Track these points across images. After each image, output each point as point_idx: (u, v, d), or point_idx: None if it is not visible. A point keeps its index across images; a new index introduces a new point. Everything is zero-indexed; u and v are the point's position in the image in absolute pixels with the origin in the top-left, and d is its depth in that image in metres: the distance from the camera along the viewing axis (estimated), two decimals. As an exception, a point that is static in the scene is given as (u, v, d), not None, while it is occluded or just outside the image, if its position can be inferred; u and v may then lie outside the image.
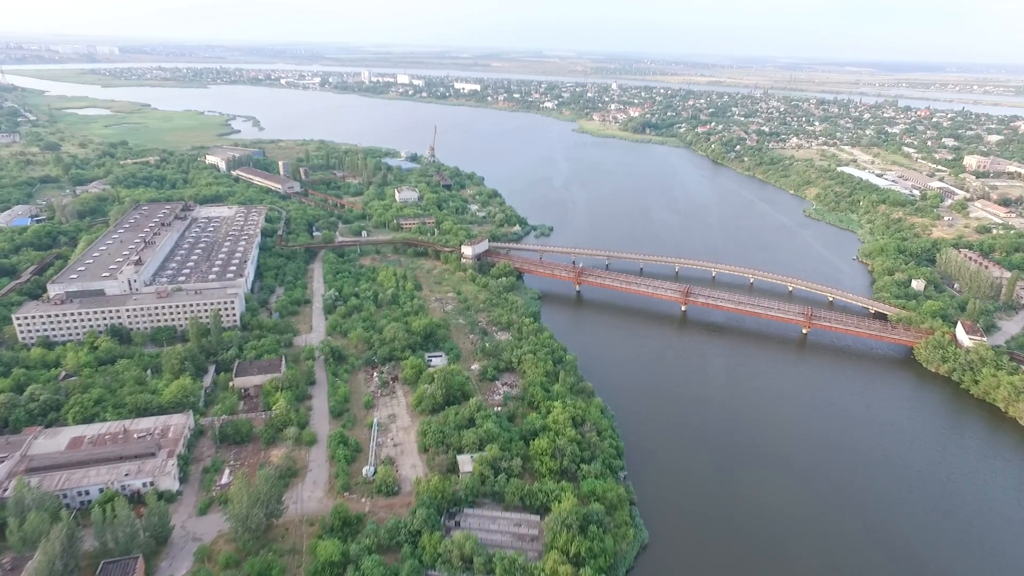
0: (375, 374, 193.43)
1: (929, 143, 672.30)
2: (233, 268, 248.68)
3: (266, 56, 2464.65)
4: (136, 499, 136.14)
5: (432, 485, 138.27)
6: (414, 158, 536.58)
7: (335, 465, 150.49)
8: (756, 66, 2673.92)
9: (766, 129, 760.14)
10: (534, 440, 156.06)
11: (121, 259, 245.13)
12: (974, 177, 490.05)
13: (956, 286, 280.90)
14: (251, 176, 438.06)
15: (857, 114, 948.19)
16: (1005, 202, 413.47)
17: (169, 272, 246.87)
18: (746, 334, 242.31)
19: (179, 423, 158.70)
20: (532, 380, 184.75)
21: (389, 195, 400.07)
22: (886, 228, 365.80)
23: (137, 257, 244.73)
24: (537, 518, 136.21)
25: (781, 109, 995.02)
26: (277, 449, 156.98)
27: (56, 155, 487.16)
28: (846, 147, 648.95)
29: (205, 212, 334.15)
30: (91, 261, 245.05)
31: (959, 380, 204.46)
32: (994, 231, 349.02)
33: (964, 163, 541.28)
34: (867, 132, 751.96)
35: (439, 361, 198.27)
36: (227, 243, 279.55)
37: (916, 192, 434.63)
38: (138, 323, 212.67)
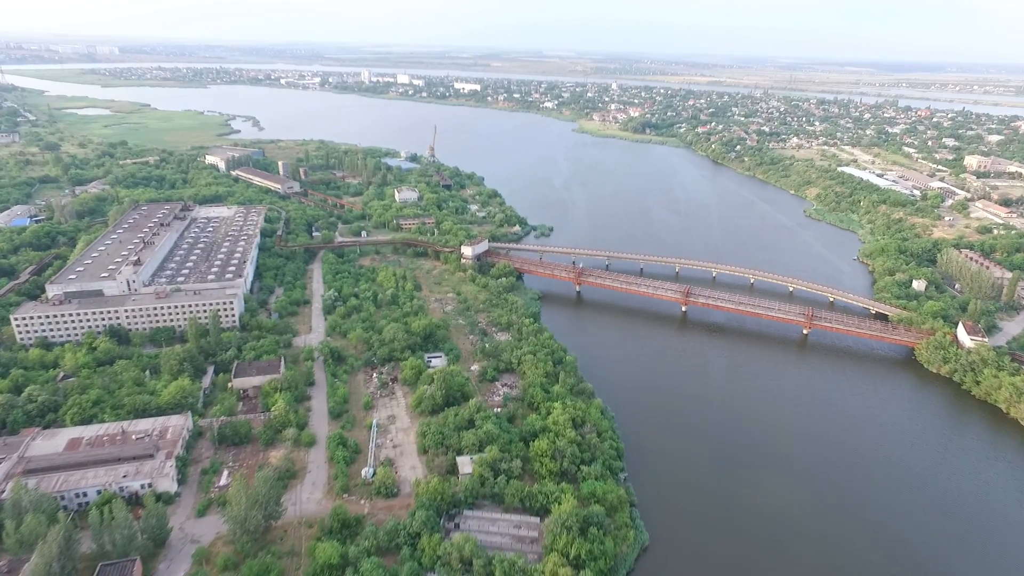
0: (374, 375, 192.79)
1: (929, 143, 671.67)
2: (232, 268, 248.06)
3: (266, 56, 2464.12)
4: (134, 501, 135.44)
5: (431, 487, 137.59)
6: (414, 158, 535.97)
7: (334, 466, 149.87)
8: (756, 66, 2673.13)
9: (766, 129, 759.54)
10: (534, 441, 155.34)
11: (120, 259, 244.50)
12: (975, 177, 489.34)
13: (957, 287, 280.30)
14: (250, 176, 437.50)
15: (857, 114, 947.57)
16: (1006, 202, 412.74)
17: (168, 272, 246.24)
18: (747, 335, 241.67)
19: (177, 424, 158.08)
20: (532, 381, 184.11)
21: (389, 195, 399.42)
22: (887, 228, 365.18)
23: (136, 257, 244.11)
24: (537, 520, 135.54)
25: (781, 109, 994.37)
26: (276, 450, 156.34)
27: (55, 155, 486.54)
28: (846, 147, 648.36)
29: (204, 212, 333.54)
30: (90, 261, 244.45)
31: (960, 381, 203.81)
32: (995, 231, 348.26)
33: (965, 163, 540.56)
34: (867, 132, 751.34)
35: (439, 362, 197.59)
36: (226, 243, 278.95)
37: (917, 192, 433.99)
38: (137, 324, 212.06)
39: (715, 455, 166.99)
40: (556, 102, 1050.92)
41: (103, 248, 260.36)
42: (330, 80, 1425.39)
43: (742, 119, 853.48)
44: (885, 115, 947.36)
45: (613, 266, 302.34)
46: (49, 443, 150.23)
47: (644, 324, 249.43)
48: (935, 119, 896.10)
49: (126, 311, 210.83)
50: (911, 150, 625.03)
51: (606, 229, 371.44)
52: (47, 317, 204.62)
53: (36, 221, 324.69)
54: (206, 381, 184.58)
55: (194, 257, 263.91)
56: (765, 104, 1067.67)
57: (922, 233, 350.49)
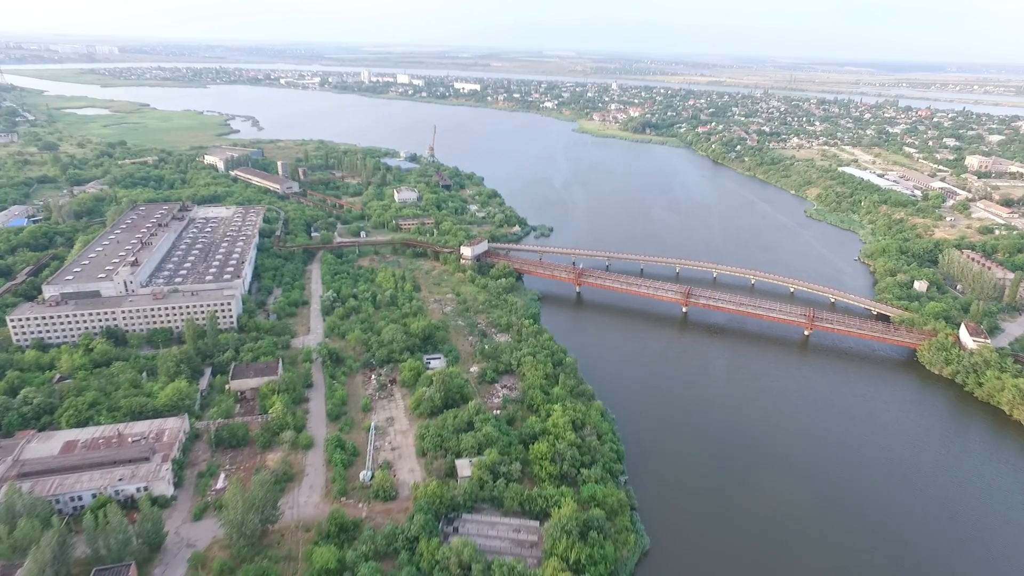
0: (373, 376, 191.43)
1: (930, 143, 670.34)
2: (230, 269, 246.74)
3: (266, 56, 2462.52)
4: (130, 504, 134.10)
5: (430, 490, 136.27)
6: (413, 158, 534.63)
7: (332, 469, 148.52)
8: (756, 66, 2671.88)
9: (767, 129, 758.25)
10: (533, 444, 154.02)
11: (117, 260, 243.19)
12: (976, 177, 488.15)
13: (959, 287, 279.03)
14: (249, 176, 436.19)
15: (858, 114, 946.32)
16: (1007, 202, 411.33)
17: (166, 273, 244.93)
18: (747, 336, 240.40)
19: (174, 427, 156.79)
20: (532, 383, 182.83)
21: (388, 195, 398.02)
22: (888, 229, 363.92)
23: (134, 258, 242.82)
24: (536, 524, 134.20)
25: (781, 109, 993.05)
26: (273, 453, 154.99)
27: (54, 155, 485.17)
28: (847, 147, 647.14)
29: (203, 212, 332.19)
30: (87, 262, 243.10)
31: (963, 383, 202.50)
32: (996, 232, 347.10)
33: (966, 163, 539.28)
34: (868, 132, 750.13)
35: (438, 363, 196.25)
36: (224, 244, 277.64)
37: (918, 192, 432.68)
38: (134, 325, 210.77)
39: (716, 457, 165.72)
40: (556, 102, 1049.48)
41: (100, 249, 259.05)
42: (330, 80, 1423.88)
43: (742, 119, 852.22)
44: (885, 115, 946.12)
45: (613, 267, 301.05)
46: (44, 446, 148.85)
47: (644, 325, 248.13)
48: (936, 119, 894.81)
49: (123, 312, 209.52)
50: (912, 150, 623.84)
51: (606, 229, 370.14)
52: (43, 318, 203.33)
53: (34, 221, 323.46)
54: (203, 383, 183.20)
55: (192, 258, 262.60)
56: (765, 104, 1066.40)
57: (923, 233, 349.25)
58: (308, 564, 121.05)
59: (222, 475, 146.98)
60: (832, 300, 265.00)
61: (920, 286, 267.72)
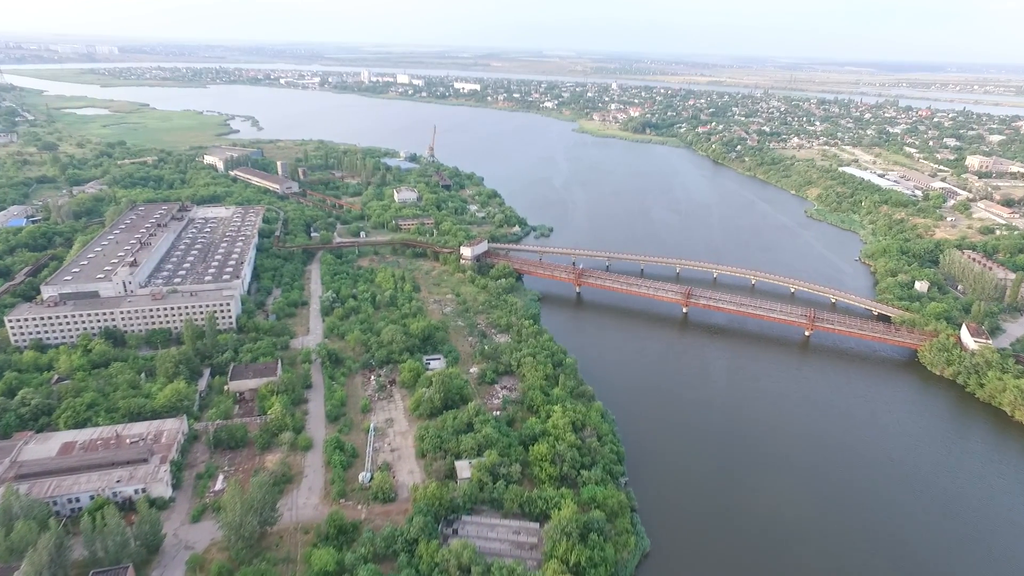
0: (372, 377, 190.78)
1: (931, 143, 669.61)
2: (229, 270, 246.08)
3: (266, 56, 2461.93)
4: (128, 506, 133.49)
5: (429, 492, 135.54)
6: (413, 158, 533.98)
7: (331, 471, 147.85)
8: (756, 66, 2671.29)
9: (767, 129, 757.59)
10: (533, 445, 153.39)
11: (116, 260, 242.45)
12: (976, 177, 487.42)
13: (960, 288, 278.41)
14: (249, 176, 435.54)
15: (858, 114, 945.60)
16: (1008, 203, 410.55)
17: (165, 274, 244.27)
18: (748, 336, 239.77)
19: (173, 428, 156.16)
20: (531, 384, 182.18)
21: (388, 195, 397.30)
22: (888, 229, 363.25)
23: (132, 258, 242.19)
24: (536, 526, 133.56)
25: (782, 109, 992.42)
26: (272, 454, 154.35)
27: (53, 155, 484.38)
28: (847, 147, 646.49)
29: (202, 212, 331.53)
30: (86, 262, 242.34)
31: (964, 383, 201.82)
32: (997, 232, 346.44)
33: (966, 163, 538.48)
34: (868, 132, 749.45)
35: (437, 364, 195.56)
36: (224, 244, 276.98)
37: (918, 192, 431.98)
38: (132, 325, 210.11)
39: (717, 458, 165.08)
40: (556, 102, 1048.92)
41: (99, 249, 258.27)
42: (329, 80, 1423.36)
43: (742, 119, 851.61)
44: (886, 115, 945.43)
45: (613, 267, 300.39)
46: (42, 447, 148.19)
47: (645, 326, 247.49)
48: (936, 119, 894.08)
49: (122, 313, 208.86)
50: (912, 150, 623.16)
51: (606, 229, 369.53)
52: (42, 319, 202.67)
53: (33, 221, 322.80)
54: (202, 384, 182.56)
55: (191, 258, 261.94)
56: (765, 104, 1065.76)
57: (924, 234, 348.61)
58: (307, 566, 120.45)
59: (221, 476, 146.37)
60: (833, 300, 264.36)
61: (921, 286, 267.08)
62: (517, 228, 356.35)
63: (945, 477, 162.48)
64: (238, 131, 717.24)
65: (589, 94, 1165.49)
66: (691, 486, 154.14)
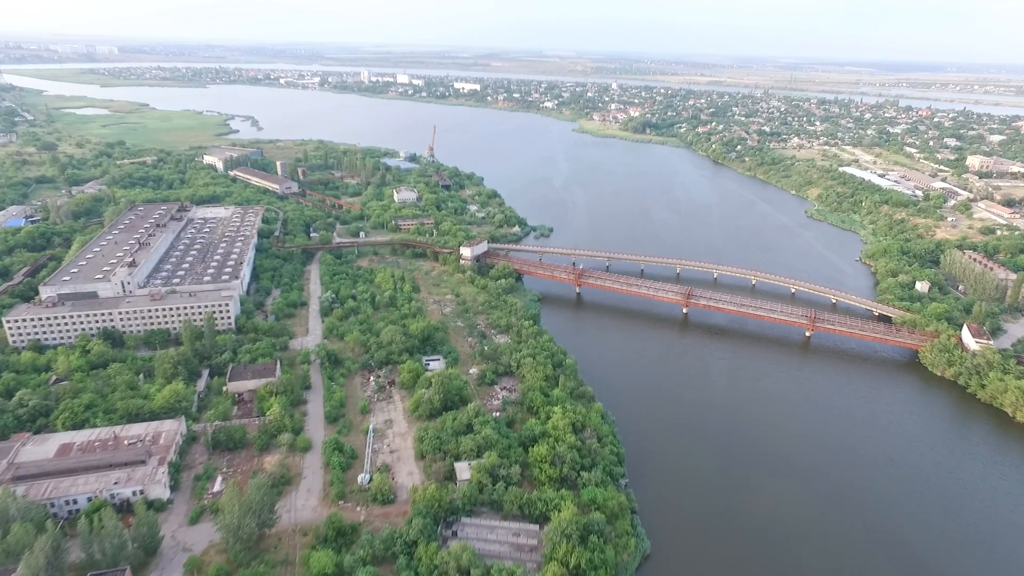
0: (372, 378, 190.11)
1: (931, 143, 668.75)
2: (228, 270, 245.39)
3: (266, 56, 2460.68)
4: (126, 508, 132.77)
5: (429, 493, 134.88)
6: (413, 158, 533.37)
7: (330, 472, 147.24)
8: (756, 66, 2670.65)
9: (767, 129, 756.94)
10: (533, 447, 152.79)
11: (115, 261, 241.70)
12: (977, 177, 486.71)
13: (961, 288, 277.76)
14: (248, 176, 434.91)
15: (858, 114, 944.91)
16: (1009, 203, 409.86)
17: (163, 274, 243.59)
18: (749, 337, 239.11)
19: (171, 429, 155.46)
20: (531, 384, 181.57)
21: (387, 195, 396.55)
22: (889, 229, 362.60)
23: (131, 259, 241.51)
24: (536, 528, 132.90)
25: (782, 109, 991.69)
26: (271, 456, 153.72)
27: (52, 155, 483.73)
28: (847, 147, 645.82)
29: (201, 213, 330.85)
30: (84, 263, 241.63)
31: (965, 384, 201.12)
32: (998, 232, 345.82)
33: (967, 163, 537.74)
34: (868, 132, 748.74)
35: (437, 365, 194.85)
36: (223, 244, 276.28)
37: (919, 192, 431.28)
38: (131, 326, 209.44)
39: (717, 460, 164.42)
40: (556, 102, 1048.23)
41: (98, 249, 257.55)
42: (329, 80, 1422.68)
43: (742, 119, 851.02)
44: (886, 115, 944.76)
45: (613, 267, 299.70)
46: (39, 449, 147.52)
47: (645, 326, 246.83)
48: (936, 119, 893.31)
49: (120, 313, 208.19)
50: (913, 150, 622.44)
51: (606, 230, 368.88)
52: (40, 319, 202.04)
53: (31, 222, 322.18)
54: (201, 385, 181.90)
55: (190, 258, 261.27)
56: (765, 104, 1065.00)
57: (925, 234, 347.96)
58: (305, 569, 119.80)
59: (219, 478, 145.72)
60: (833, 301, 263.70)
61: (922, 287, 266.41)
62: (517, 228, 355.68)
63: (946, 478, 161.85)
64: (238, 131, 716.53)
65: (589, 94, 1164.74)
66: (692, 487, 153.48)
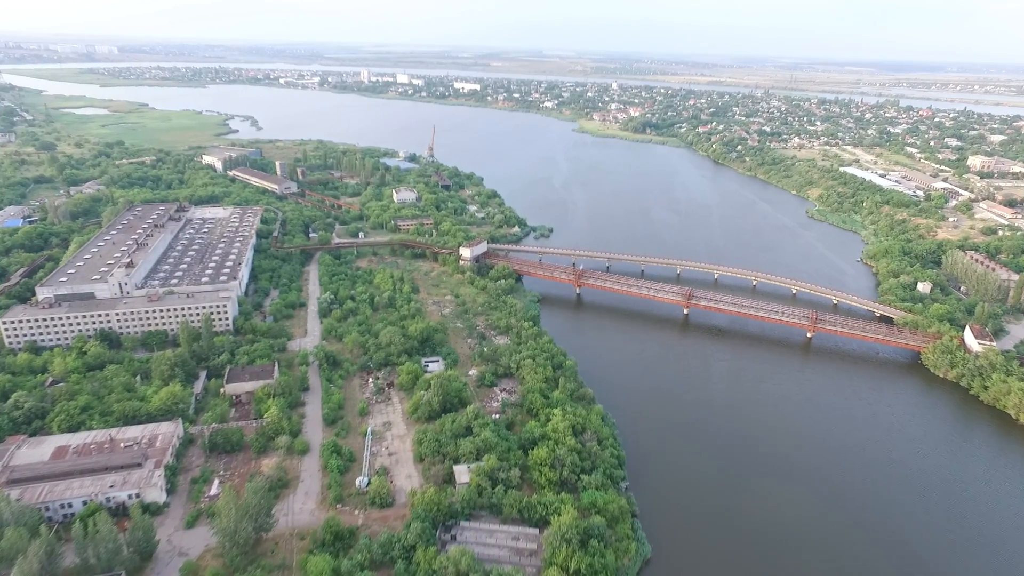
0: (370, 380, 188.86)
1: (932, 143, 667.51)
2: (227, 271, 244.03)
3: (266, 56, 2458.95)
4: (121, 512, 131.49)
5: (427, 497, 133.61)
6: (413, 158, 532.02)
7: (328, 475, 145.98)
8: (756, 66, 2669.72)
9: (767, 129, 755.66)
10: (533, 449, 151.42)
11: (112, 261, 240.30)
12: (978, 177, 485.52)
13: (963, 289, 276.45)
14: (247, 176, 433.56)
15: (859, 114, 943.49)
16: (1011, 203, 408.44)
17: (161, 275, 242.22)
18: (750, 338, 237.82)
19: (168, 431, 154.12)
20: (531, 386, 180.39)
21: (387, 196, 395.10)
22: (890, 229, 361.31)
23: (129, 259, 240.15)
24: (536, 532, 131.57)
25: (782, 109, 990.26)
26: (268, 458, 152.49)
27: (51, 155, 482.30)
28: (848, 147, 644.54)
29: (200, 213, 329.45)
30: (82, 263, 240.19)
31: (968, 386, 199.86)
32: (1000, 232, 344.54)
33: (968, 163, 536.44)
34: (869, 132, 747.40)
35: (436, 366, 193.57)
36: (221, 245, 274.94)
37: (920, 193, 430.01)
38: (128, 327, 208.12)
39: (719, 462, 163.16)
40: (556, 102, 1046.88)
41: (96, 250, 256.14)
42: (329, 80, 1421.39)
43: (743, 119, 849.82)
44: (887, 115, 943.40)
45: (614, 268, 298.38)
46: (35, 451, 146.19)
47: (645, 327, 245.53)
48: (937, 119, 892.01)
49: (117, 314, 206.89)
50: (913, 150, 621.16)
51: (606, 230, 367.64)
52: (36, 320, 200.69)
53: (29, 222, 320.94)
54: (198, 387, 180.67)
55: (188, 259, 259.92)
56: (766, 104, 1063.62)
57: (926, 234, 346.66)
58: (302, 573, 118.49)
59: (216, 481, 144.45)
60: (835, 302, 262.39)
61: (924, 288, 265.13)
62: (517, 228, 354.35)
63: (949, 480, 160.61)
64: (237, 131, 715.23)
65: (589, 94, 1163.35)
66: (693, 490, 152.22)
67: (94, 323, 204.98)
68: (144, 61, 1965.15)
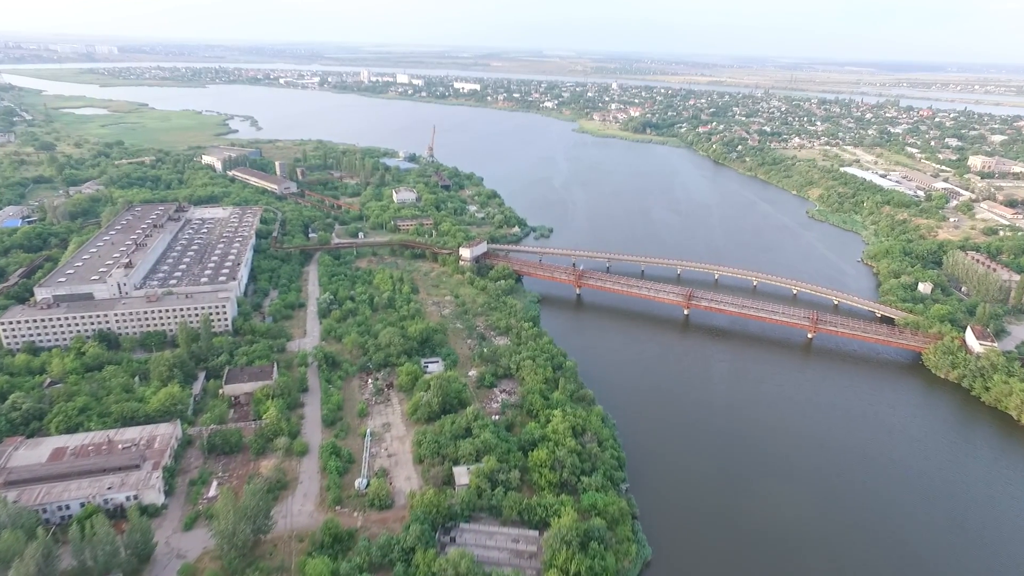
0: (370, 381, 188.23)
1: (932, 143, 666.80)
2: (226, 271, 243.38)
3: (266, 56, 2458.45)
4: (119, 514, 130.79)
5: (427, 499, 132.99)
6: (412, 158, 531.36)
7: (327, 477, 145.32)
8: (756, 66, 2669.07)
9: (768, 129, 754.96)
10: (533, 451, 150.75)
11: (111, 262, 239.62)
12: (979, 178, 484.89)
13: (964, 289, 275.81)
14: (247, 176, 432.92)
15: (859, 114, 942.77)
16: (1011, 203, 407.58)
17: (160, 275, 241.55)
18: (750, 338, 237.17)
19: (166, 433, 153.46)
20: (531, 387, 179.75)
21: (387, 196, 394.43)
22: (891, 230, 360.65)
23: (128, 260, 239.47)
24: (536, 534, 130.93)
25: (782, 109, 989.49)
26: (267, 460, 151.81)
27: (50, 155, 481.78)
28: (848, 147, 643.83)
29: (199, 213, 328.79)
30: (80, 264, 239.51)
31: (969, 387, 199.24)
32: (1001, 233, 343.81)
33: (969, 163, 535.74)
34: (869, 132, 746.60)
35: (436, 367, 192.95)
36: (220, 245, 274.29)
37: (920, 193, 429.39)
38: (127, 328, 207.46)
39: (719, 463, 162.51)
40: (556, 102, 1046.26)
41: (94, 250, 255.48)
42: (329, 80, 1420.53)
43: (743, 119, 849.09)
44: (887, 115, 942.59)
45: (614, 268, 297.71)
46: (32, 453, 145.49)
47: (645, 328, 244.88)
48: (937, 119, 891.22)
49: (116, 315, 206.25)
50: (914, 150, 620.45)
51: (606, 230, 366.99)
52: (35, 321, 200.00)
53: (28, 222, 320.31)
54: (196, 388, 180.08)
55: (187, 259, 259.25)
56: (766, 104, 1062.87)
57: (927, 235, 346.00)
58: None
59: (214, 483, 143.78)
60: (835, 302, 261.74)
61: (924, 288, 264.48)
62: (517, 229, 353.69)
63: (950, 481, 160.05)
64: (237, 131, 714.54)
65: (589, 94, 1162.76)
66: (693, 492, 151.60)
67: (93, 324, 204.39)
68: (144, 61, 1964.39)
